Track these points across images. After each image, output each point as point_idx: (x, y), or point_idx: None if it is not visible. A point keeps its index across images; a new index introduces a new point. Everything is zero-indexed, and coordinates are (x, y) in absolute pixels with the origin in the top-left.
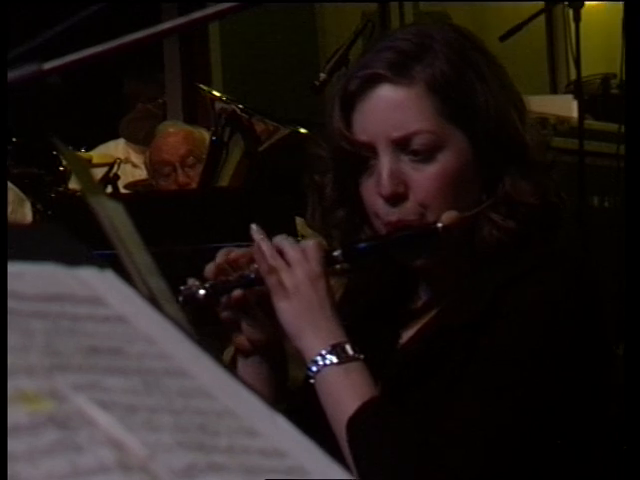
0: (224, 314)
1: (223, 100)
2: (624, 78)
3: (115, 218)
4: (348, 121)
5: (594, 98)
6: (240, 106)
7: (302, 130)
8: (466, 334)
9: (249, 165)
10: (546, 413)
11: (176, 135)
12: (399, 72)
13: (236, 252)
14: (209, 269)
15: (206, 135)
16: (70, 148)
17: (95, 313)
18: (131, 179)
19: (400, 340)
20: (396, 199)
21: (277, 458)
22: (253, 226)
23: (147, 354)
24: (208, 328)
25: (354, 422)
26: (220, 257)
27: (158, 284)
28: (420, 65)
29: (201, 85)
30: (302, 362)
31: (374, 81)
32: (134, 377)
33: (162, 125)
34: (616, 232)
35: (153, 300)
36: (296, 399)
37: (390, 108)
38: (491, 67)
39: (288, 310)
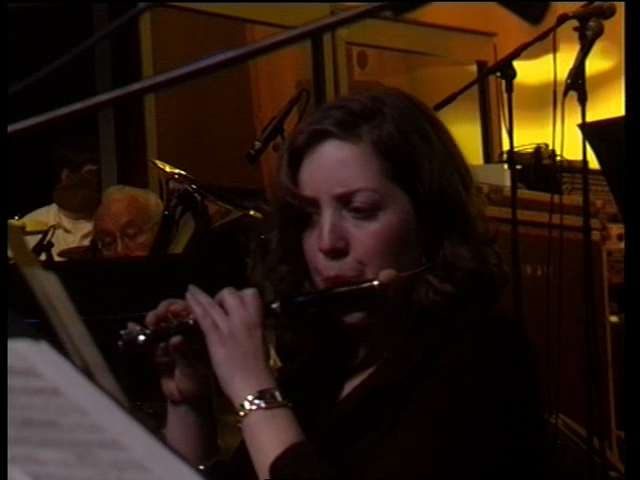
0: (160, 359)
1: (176, 178)
2: (555, 148)
3: (49, 288)
4: (295, 176)
5: (527, 168)
6: (193, 186)
7: (253, 213)
8: (400, 391)
9: (197, 244)
10: (473, 466)
11: (119, 203)
12: (346, 130)
13: (178, 304)
14: (150, 317)
15: (153, 200)
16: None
17: (29, 385)
18: (63, 245)
19: (341, 393)
20: (336, 254)
21: None
22: (190, 287)
23: (80, 426)
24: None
25: (276, 467)
26: (162, 307)
27: (92, 354)
28: (368, 125)
29: (157, 161)
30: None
31: (321, 137)
32: (68, 449)
33: (108, 190)
34: (549, 300)
35: (87, 371)
36: (227, 456)
37: (334, 164)
38: (438, 134)
39: (222, 355)
